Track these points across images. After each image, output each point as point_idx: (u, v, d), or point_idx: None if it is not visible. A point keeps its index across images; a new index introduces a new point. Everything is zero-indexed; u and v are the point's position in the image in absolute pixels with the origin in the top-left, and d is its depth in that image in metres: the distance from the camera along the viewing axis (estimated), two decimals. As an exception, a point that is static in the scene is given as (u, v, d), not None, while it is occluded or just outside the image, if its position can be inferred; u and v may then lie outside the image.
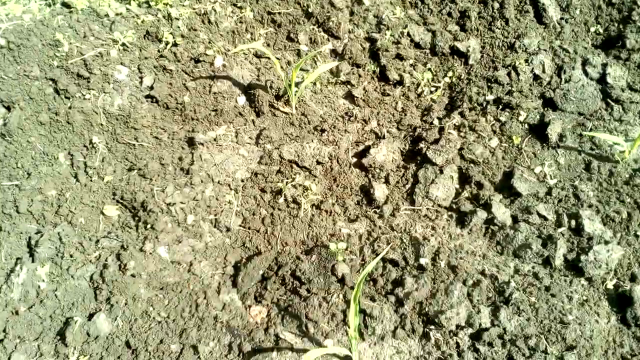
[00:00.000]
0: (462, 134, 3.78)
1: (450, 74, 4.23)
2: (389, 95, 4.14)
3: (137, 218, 3.39)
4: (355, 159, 3.79)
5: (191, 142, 3.66)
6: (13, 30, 3.66)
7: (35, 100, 3.59)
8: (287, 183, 3.54)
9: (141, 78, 3.75)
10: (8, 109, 3.60)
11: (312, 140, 3.74)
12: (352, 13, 4.33)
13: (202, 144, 3.61)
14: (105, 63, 3.70)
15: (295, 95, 3.82)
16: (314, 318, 3.03)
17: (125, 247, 3.22)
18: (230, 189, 3.53)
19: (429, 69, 4.27)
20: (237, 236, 3.42)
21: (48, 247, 3.20)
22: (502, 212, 3.40)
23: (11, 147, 3.54)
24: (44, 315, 3.03)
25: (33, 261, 3.18)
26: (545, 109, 3.88)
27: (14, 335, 2.97)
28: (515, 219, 3.40)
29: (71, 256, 3.20)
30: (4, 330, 2.99)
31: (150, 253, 3.19)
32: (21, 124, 3.54)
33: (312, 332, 3.01)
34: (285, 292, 3.20)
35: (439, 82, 4.24)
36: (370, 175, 3.69)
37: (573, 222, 3.27)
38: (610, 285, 3.07)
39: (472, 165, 3.63)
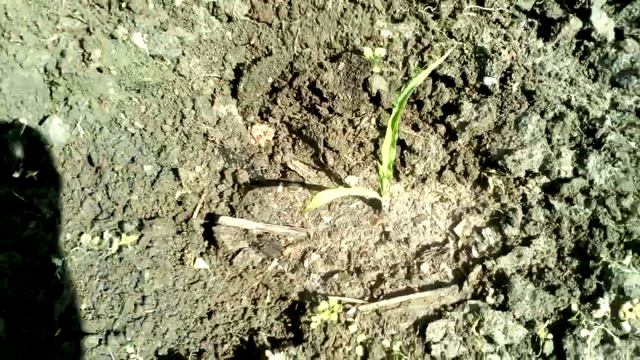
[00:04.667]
0: None
1: None
2: None
3: (110, -6, 2.53)
4: None
5: None
6: None
7: None
8: (313, -41, 2.62)
9: None
10: None
11: None
12: None
13: None
14: None
15: None
16: (335, 146, 2.32)
17: (92, 30, 2.40)
18: (237, -37, 2.62)
19: None
20: (241, 29, 2.59)
21: (-11, 22, 2.40)
22: (603, 22, 2.53)
23: None
24: (-16, 114, 2.33)
25: (-29, 41, 2.41)
26: None
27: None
28: (620, 34, 2.54)
29: (21, 37, 2.41)
30: None
31: (124, 41, 2.40)
32: None
33: (331, 165, 2.33)
34: (300, 109, 2.46)
35: None
36: (427, -41, 2.73)
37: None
38: None
39: (569, -48, 2.65)
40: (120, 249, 2.10)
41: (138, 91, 2.40)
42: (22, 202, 2.15)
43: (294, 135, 2.40)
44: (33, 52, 2.42)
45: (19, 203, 2.15)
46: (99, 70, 2.35)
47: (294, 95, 2.45)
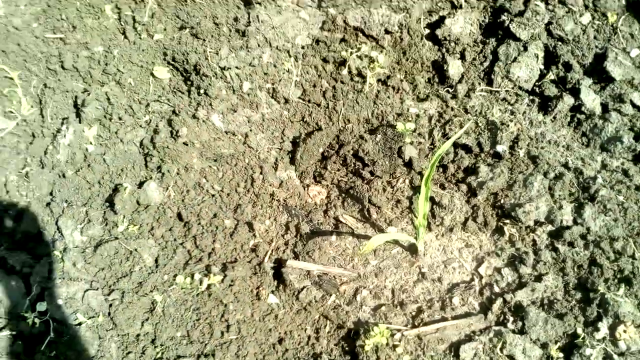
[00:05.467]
0: (550, 6, 3.33)
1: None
2: (469, -42, 3.65)
3: (189, 82, 3.11)
4: (428, 30, 3.39)
5: (247, 1, 3.29)
6: None
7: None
8: (351, 53, 3.20)
9: None
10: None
11: (381, 6, 3.32)
12: None
13: (260, 4, 3.24)
14: None
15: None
16: (377, 203, 2.81)
17: (177, 112, 2.97)
18: (290, 56, 3.20)
19: None
20: (295, 109, 3.15)
21: (96, 107, 2.97)
22: (591, 98, 3.05)
23: (53, -3, 3.23)
24: (92, 180, 2.86)
25: (80, 122, 2.97)
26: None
27: (61, 199, 2.83)
28: (605, 108, 3.06)
29: (120, 119, 2.98)
30: (51, 194, 2.85)
31: (204, 120, 2.95)
32: (64, -30, 3.21)
33: (374, 218, 2.81)
34: (346, 173, 2.97)
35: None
36: (444, 50, 3.31)
37: (674, 116, 2.92)
38: None
39: (560, 43, 3.22)
40: (209, 287, 2.58)
41: (216, 160, 2.93)
42: (128, 249, 2.66)
43: (343, 194, 2.91)
44: (131, 130, 2.97)
45: (125, 251, 2.66)
46: (185, 144, 2.89)
47: (341, 161, 2.98)
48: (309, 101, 3.14)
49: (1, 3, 3.22)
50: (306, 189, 2.94)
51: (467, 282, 2.63)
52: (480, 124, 3.00)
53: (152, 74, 3.14)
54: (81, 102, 3.00)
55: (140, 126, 2.99)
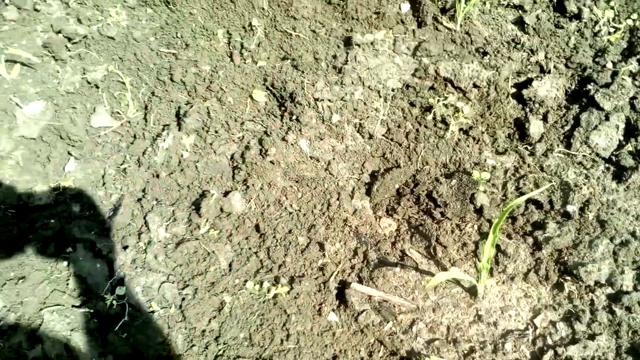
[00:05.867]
0: (637, 82, 3.43)
1: (634, 16, 3.82)
2: (562, 28, 3.80)
3: (283, 108, 3.37)
4: (514, 90, 3.54)
5: (347, 42, 3.55)
6: None
7: (202, -27, 3.59)
8: (438, 101, 3.38)
9: (308, -33, 3.63)
10: (175, -22, 3.62)
11: (472, 62, 3.52)
12: None
13: (359, 45, 3.49)
14: (274, -55, 3.61)
15: (462, 11, 3.58)
16: (444, 242, 2.94)
17: (269, 133, 3.21)
18: (379, 97, 3.42)
19: (612, 7, 3.87)
20: (378, 145, 3.34)
21: (196, 119, 3.26)
22: (667, 174, 3.10)
23: (173, 16, 3.58)
24: (183, 184, 3.11)
25: (179, 130, 3.25)
26: None
27: (152, 196, 3.09)
28: (680, 185, 3.10)
29: (216, 132, 3.25)
30: (144, 190, 3.11)
31: (292, 144, 3.18)
32: (186, -6, 3.56)
33: (439, 256, 2.93)
34: (418, 210, 3.11)
35: (620, 23, 3.84)
36: (527, 109, 3.44)
37: None
38: None
39: (642, 118, 3.30)
40: (275, 296, 2.76)
41: (297, 181, 3.14)
42: (206, 250, 2.88)
43: (412, 230, 3.05)
44: (224, 143, 3.23)
45: (204, 251, 2.89)
46: (272, 162, 3.12)
47: (414, 199, 3.13)
48: (391, 139, 3.32)
49: (125, 16, 3.59)
50: (378, 220, 3.09)
51: (521, 330, 2.71)
52: (553, 183, 3.10)
53: (250, 96, 3.41)
54: (183, 113, 3.29)
55: (233, 141, 3.24)
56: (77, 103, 3.38)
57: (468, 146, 3.31)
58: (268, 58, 3.52)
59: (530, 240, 2.93)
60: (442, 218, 3.02)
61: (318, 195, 3.10)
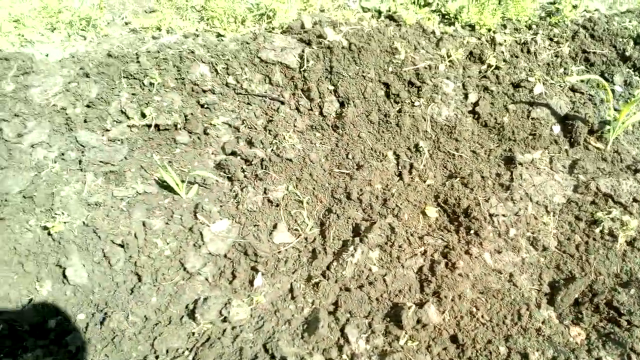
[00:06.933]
0: None
1: None
2: (702, 145, 4.06)
3: (457, 223, 3.60)
4: (675, 204, 3.76)
5: (509, 161, 3.83)
6: (354, 33, 4.06)
7: (368, 100, 3.95)
8: (605, 215, 3.59)
9: (465, 94, 3.99)
10: (342, 104, 3.99)
11: (628, 178, 3.76)
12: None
13: (521, 164, 3.77)
14: (434, 75, 3.99)
15: (614, 132, 3.88)
16: (638, 350, 3.04)
17: (452, 247, 3.43)
18: (547, 211, 3.65)
19: None
20: (551, 257, 3.52)
21: (378, 234, 3.49)
22: None
23: (343, 139, 3.91)
24: (373, 297, 3.30)
25: (364, 244, 3.48)
26: None
27: (345, 309, 3.27)
28: None
29: (400, 246, 3.47)
30: (335, 303, 3.30)
31: (476, 257, 3.38)
32: (353, 119, 3.91)
33: (636, 364, 3.03)
34: (601, 319, 3.24)
35: None
36: (688, 221, 3.64)
37: None
38: None
39: None
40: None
41: (483, 293, 3.31)
42: (411, 360, 3.03)
43: (603, 338, 3.18)
44: (410, 257, 3.45)
45: (409, 361, 3.03)
46: (460, 275, 3.32)
47: (593, 308, 3.27)
48: (563, 252, 3.51)
49: (297, 139, 3.94)
50: (566, 329, 3.22)
51: None
52: None
53: (422, 212, 3.66)
54: (364, 229, 3.54)
55: (416, 255, 3.46)
56: (259, 221, 3.66)
57: (636, 257, 3.48)
58: (434, 177, 3.81)
59: None
60: (628, 326, 3.14)
61: (507, 306, 3.25)
